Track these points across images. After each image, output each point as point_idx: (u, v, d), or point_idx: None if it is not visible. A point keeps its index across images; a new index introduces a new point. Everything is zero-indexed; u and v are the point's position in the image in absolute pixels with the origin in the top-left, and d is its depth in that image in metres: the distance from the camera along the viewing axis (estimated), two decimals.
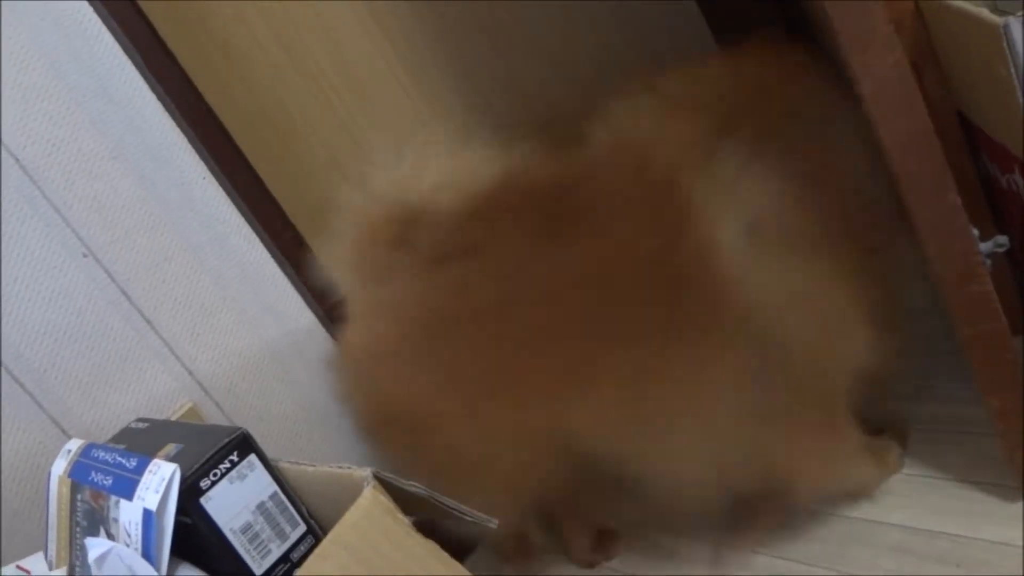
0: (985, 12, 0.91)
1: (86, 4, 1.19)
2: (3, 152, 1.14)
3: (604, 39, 1.61)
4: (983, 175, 1.14)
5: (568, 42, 1.59)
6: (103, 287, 1.20)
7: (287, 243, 1.33)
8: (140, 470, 0.79)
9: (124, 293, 1.21)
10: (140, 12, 1.24)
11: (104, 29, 1.21)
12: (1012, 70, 0.88)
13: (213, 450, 0.79)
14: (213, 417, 1.27)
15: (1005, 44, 0.88)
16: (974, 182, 1.13)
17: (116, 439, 0.97)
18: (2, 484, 1.12)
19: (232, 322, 1.29)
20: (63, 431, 1.17)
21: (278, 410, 1.33)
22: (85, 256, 1.19)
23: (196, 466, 0.78)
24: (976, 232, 0.87)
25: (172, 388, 1.24)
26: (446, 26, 1.52)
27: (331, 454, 1.38)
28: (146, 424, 0.98)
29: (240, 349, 1.30)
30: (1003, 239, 0.89)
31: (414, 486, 0.72)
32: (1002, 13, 1.04)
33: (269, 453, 0.85)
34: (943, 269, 0.89)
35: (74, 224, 1.19)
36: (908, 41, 1.04)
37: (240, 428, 0.80)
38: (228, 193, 1.28)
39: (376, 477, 0.70)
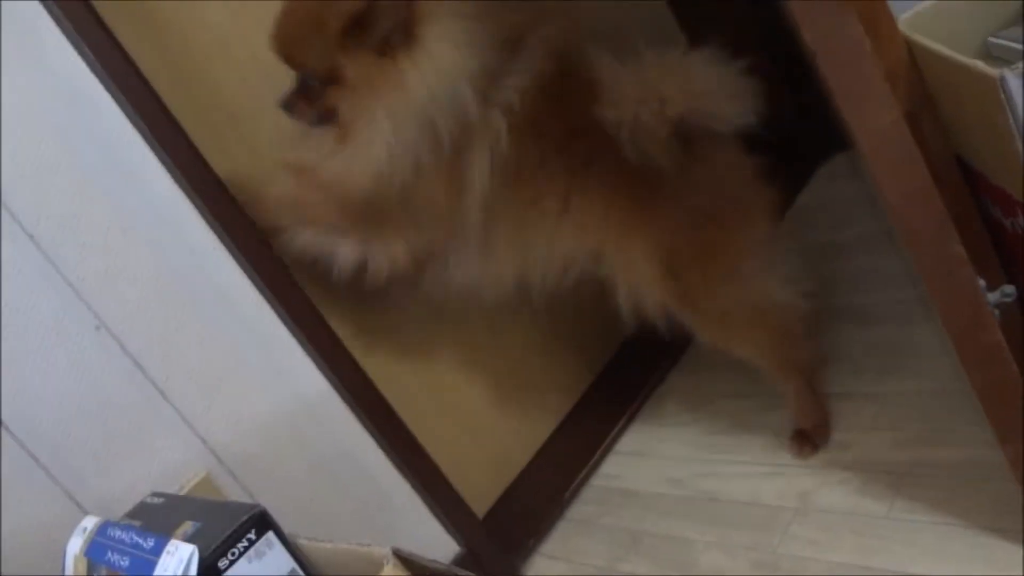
0: (981, 64, 0.92)
1: (95, 79, 1.21)
2: (17, 229, 1.15)
3: None
4: (987, 218, 1.14)
5: None
6: (116, 358, 1.21)
7: (297, 307, 1.34)
8: (158, 551, 0.79)
9: (137, 364, 1.22)
10: (147, 84, 1.26)
11: (112, 103, 1.23)
12: (1010, 120, 0.89)
13: (231, 529, 0.79)
14: (227, 485, 1.27)
15: (1003, 95, 0.89)
16: (978, 226, 1.13)
17: (132, 515, 0.96)
18: (16, 559, 1.12)
19: (244, 389, 1.30)
20: (77, 504, 1.17)
21: (292, 475, 1.33)
22: (98, 328, 1.20)
23: (214, 546, 0.78)
24: (983, 283, 0.88)
25: (185, 457, 1.24)
26: None
27: (345, 518, 1.37)
28: (162, 499, 0.98)
29: (253, 416, 1.30)
30: (1010, 289, 0.90)
31: (435, 562, 0.72)
32: (996, 59, 1.05)
33: (283, 520, 0.85)
34: (951, 320, 0.89)
35: (87, 297, 1.20)
36: (904, 90, 1.05)
37: (258, 505, 0.80)
38: (238, 260, 1.29)
39: (396, 555, 0.70)
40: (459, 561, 1.48)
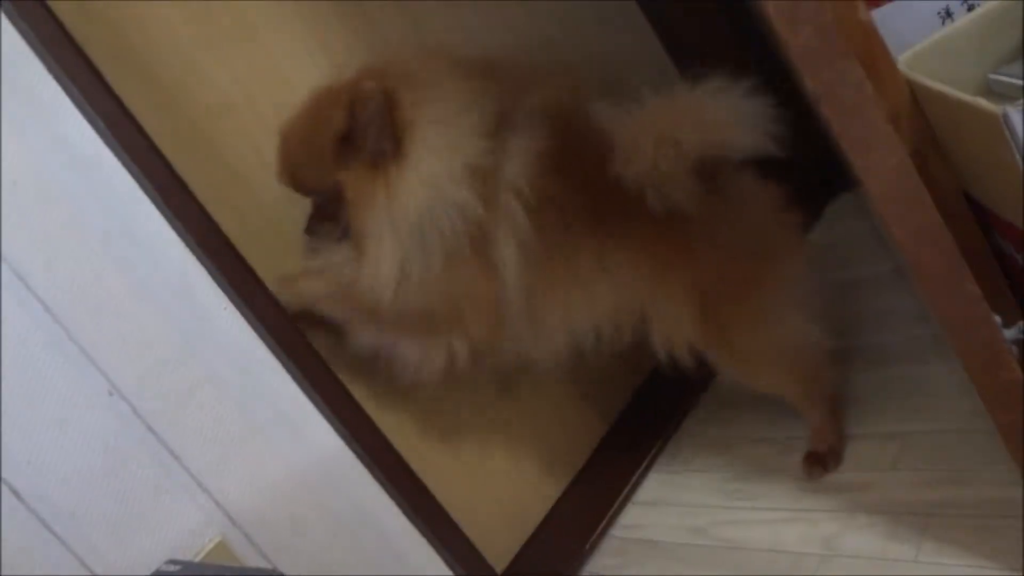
0: (982, 101, 0.92)
1: (104, 146, 1.23)
2: (30, 296, 1.16)
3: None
4: (999, 254, 1.14)
5: None
6: (129, 424, 1.20)
7: (309, 367, 1.33)
8: None
9: (150, 429, 1.22)
10: (157, 150, 1.28)
11: (123, 170, 1.24)
12: (1016, 155, 0.90)
13: None
14: (243, 550, 1.25)
15: (1006, 131, 0.89)
16: (990, 263, 1.13)
17: None
18: None
19: (259, 451, 1.29)
20: (93, 574, 1.15)
21: (308, 537, 1.31)
22: (111, 394, 1.20)
23: None
24: (999, 319, 0.87)
25: (200, 522, 1.23)
26: None
27: None
28: (178, 567, 0.97)
29: (268, 478, 1.29)
30: None
31: None
32: (997, 96, 1.06)
33: None
34: (970, 357, 0.88)
35: (99, 363, 1.20)
36: (908, 130, 1.06)
37: (275, 570, 0.79)
38: (249, 322, 1.30)
39: None
40: None
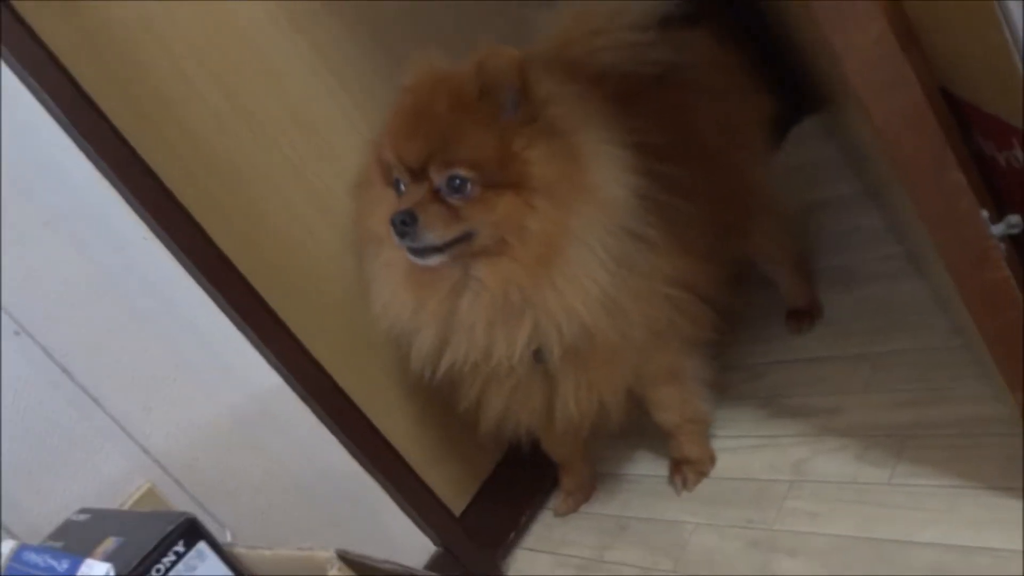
0: None
1: (5, 68, 1.10)
2: None
3: None
4: (978, 156, 1.07)
5: None
6: (40, 366, 1.10)
7: (243, 301, 1.23)
8: (71, 573, 0.69)
9: (64, 371, 1.11)
10: (64, 70, 1.16)
11: (26, 91, 1.12)
12: (1007, 34, 0.81)
13: (154, 542, 0.69)
14: (174, 496, 1.16)
15: (998, 9, 0.81)
16: (969, 164, 1.06)
17: (55, 535, 0.87)
18: None
19: (188, 391, 1.19)
20: (6, 528, 1.06)
21: (247, 482, 1.22)
22: (18, 334, 1.09)
23: (136, 562, 0.68)
24: (985, 214, 0.79)
25: (126, 469, 1.13)
26: (394, 60, 1.44)
27: (307, 524, 1.27)
28: (88, 515, 0.88)
29: (199, 419, 1.19)
30: (1015, 219, 0.81)
31: (388, 563, 0.62)
32: None
33: (240, 530, 0.75)
34: (953, 256, 0.81)
35: (3, 300, 1.09)
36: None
37: (184, 513, 0.70)
38: (173, 252, 1.19)
39: (341, 558, 0.61)
40: (436, 560, 1.39)
